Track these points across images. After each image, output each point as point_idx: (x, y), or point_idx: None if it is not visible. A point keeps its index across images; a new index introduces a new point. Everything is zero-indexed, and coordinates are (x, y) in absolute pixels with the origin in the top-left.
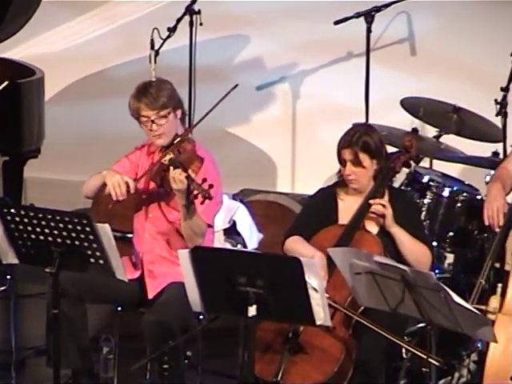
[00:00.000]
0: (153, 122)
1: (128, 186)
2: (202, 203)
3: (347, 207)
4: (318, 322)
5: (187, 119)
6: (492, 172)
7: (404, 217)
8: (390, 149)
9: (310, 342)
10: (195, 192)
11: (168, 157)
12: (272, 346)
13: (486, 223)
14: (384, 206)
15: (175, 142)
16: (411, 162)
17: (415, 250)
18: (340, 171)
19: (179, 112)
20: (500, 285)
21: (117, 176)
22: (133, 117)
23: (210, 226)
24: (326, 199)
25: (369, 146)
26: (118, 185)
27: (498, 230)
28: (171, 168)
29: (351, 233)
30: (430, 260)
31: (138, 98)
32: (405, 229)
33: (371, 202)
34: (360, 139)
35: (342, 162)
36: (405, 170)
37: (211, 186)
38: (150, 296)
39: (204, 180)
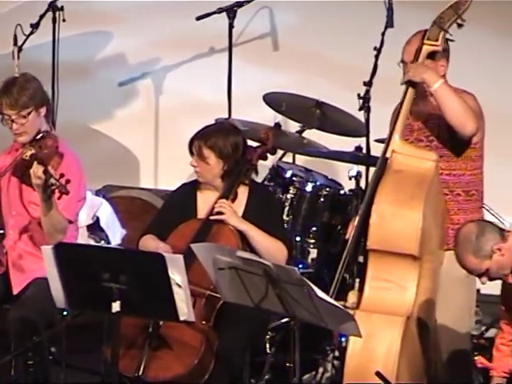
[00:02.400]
0: (13, 121)
1: None
2: (59, 198)
3: (206, 201)
4: (182, 318)
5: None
6: (355, 167)
7: (261, 212)
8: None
9: (170, 335)
10: (53, 187)
11: (29, 152)
12: (133, 341)
13: None
14: (222, 207)
15: (37, 137)
16: (268, 154)
17: (268, 247)
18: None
19: (43, 110)
20: (358, 280)
21: None
22: None
23: (71, 222)
24: (185, 194)
25: (217, 147)
26: None
27: None
28: (34, 163)
29: (208, 227)
30: (286, 256)
31: (0, 95)
32: (261, 223)
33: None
34: (211, 137)
35: (191, 151)
36: (267, 165)
37: (68, 181)
38: (15, 291)
39: (61, 175)
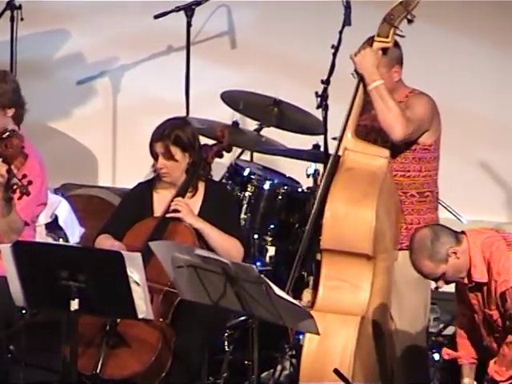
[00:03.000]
0: None
1: None
2: (20, 199)
3: (162, 200)
4: (141, 316)
5: None
6: (313, 165)
7: (218, 210)
8: (208, 141)
9: (127, 332)
10: (14, 187)
11: None
12: (90, 339)
13: None
14: (178, 205)
15: (3, 136)
16: (224, 152)
17: (224, 244)
18: (154, 165)
19: (11, 111)
20: (312, 278)
21: None
22: None
23: (28, 224)
24: (141, 193)
25: (181, 140)
26: None
27: None
28: None
29: (164, 224)
30: (242, 254)
31: None
32: (217, 221)
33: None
34: (172, 133)
35: (155, 155)
36: (224, 163)
37: (30, 183)
38: None
39: (24, 176)
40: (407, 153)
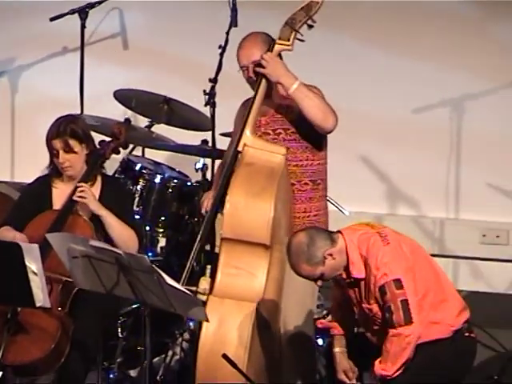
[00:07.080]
0: None
1: None
2: None
3: (61, 194)
4: (38, 304)
5: None
6: (202, 160)
7: (115, 203)
8: (104, 138)
9: (28, 321)
10: None
11: None
12: None
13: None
14: (84, 191)
15: None
16: (120, 148)
17: (123, 234)
18: (51, 164)
19: None
20: (209, 266)
21: None
22: None
23: None
24: (40, 187)
25: (76, 133)
26: None
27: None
28: None
29: (64, 217)
30: (137, 244)
31: None
32: (115, 214)
33: (77, 188)
34: (67, 127)
35: (54, 152)
36: (117, 158)
37: None
38: None
39: None
40: (298, 143)
